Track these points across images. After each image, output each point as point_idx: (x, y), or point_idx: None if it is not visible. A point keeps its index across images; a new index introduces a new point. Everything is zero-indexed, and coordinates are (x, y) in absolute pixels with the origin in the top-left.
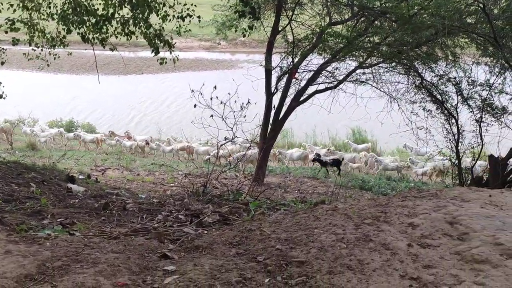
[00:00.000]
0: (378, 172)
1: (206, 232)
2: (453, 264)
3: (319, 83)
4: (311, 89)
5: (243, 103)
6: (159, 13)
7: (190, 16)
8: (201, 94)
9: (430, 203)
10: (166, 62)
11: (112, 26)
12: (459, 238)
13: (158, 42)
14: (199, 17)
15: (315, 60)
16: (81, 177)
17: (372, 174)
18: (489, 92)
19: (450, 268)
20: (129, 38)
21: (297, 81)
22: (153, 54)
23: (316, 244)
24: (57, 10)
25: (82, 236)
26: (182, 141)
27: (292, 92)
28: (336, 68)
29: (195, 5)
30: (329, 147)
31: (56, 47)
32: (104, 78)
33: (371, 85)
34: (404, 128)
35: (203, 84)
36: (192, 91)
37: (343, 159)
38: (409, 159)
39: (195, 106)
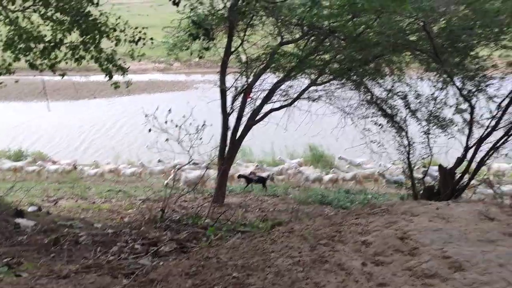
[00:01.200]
0: (302, 184)
1: (162, 263)
2: (405, 280)
3: (274, 102)
4: (266, 108)
5: (198, 126)
6: (110, 37)
7: (143, 39)
8: (155, 118)
9: (382, 219)
10: (119, 86)
11: (61, 51)
12: (410, 253)
13: (111, 67)
14: (151, 39)
15: (269, 79)
16: (31, 209)
17: (297, 184)
18: (434, 105)
19: (403, 284)
20: (79, 64)
21: (252, 100)
22: (107, 78)
23: (272, 269)
24: (1, 38)
25: (30, 277)
26: (110, 163)
27: (248, 111)
28: (290, 86)
29: (146, 28)
30: (257, 164)
31: (2, 75)
32: (54, 104)
33: (325, 101)
34: (359, 142)
35: (157, 108)
36: (146, 115)
37: (271, 177)
38: (332, 169)
39: (150, 130)
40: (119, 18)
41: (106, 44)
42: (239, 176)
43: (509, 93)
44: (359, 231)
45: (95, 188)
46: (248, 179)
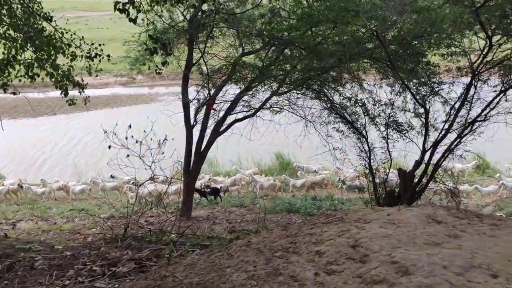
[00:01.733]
0: (257, 192)
1: (117, 285)
2: (355, 287)
3: (237, 112)
4: (230, 119)
5: (160, 140)
6: (66, 53)
7: (99, 55)
8: (115, 134)
9: (335, 228)
10: (75, 103)
11: (14, 69)
12: (361, 260)
13: (68, 83)
14: (108, 56)
15: (231, 90)
16: None
17: (252, 193)
18: (391, 111)
19: None
20: (33, 81)
21: (215, 112)
22: (63, 95)
23: (227, 285)
24: None
25: None
26: (58, 180)
27: (211, 123)
28: (253, 97)
29: (103, 44)
30: (210, 177)
31: None
32: (11, 122)
33: (287, 110)
34: (322, 149)
35: (116, 124)
36: (105, 132)
37: (224, 188)
38: (283, 176)
39: (109, 147)
40: (74, 33)
41: (63, 60)
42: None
43: (459, 97)
44: (313, 241)
45: (56, 209)
46: (201, 192)
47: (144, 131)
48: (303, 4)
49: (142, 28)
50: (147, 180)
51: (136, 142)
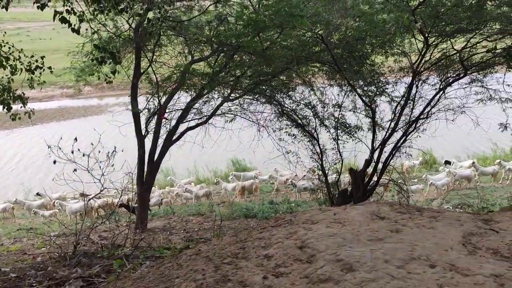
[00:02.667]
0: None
1: None
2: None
3: (190, 120)
4: (182, 127)
5: (108, 152)
6: (5, 66)
7: (40, 67)
8: (60, 148)
9: (284, 230)
10: (20, 118)
11: None
12: (308, 261)
13: (9, 98)
14: (50, 68)
15: (183, 98)
16: None
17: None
18: (340, 112)
19: None
20: None
21: (167, 121)
22: (5, 111)
23: None
24: None
25: None
26: None
27: (163, 132)
28: (204, 104)
29: (44, 57)
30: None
31: None
32: None
33: (240, 116)
34: (276, 153)
35: (61, 138)
36: (49, 147)
37: (158, 202)
38: (216, 179)
39: (54, 162)
40: (12, 46)
41: (2, 73)
42: (120, 205)
43: (403, 96)
44: (262, 245)
45: (2, 229)
46: (128, 207)
47: (92, 144)
48: (249, 10)
49: (86, 38)
50: (96, 194)
51: (84, 155)
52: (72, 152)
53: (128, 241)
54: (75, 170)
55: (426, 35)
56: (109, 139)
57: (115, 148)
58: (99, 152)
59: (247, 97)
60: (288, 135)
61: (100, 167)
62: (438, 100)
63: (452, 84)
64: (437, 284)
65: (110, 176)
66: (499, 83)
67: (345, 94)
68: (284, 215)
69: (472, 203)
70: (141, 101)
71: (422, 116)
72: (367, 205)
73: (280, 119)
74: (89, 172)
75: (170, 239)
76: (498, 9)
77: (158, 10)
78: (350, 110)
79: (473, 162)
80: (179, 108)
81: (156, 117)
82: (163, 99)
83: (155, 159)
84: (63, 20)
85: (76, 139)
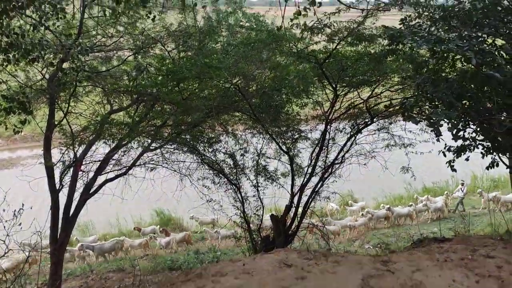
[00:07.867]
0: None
1: None
2: None
3: (108, 172)
4: (100, 179)
5: (15, 210)
6: None
7: None
8: None
9: (192, 285)
10: None
11: None
12: None
13: None
14: None
15: (101, 149)
16: None
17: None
18: (260, 159)
19: None
20: None
21: (84, 173)
22: None
23: None
24: None
25: None
26: None
27: (80, 185)
28: (124, 154)
29: None
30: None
31: None
32: None
33: (161, 166)
34: (199, 202)
35: None
36: None
37: None
38: (150, 236)
39: None
40: None
41: None
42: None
43: (317, 144)
44: None
45: None
46: None
47: None
48: (168, 60)
49: None
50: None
51: None
52: None
53: None
54: None
55: (335, 86)
56: (20, 195)
57: (22, 206)
58: (4, 210)
59: (168, 146)
60: (212, 183)
61: (4, 227)
62: (351, 146)
63: (362, 131)
64: None
65: (16, 236)
66: (402, 129)
67: (263, 142)
68: (207, 265)
69: (389, 242)
70: (56, 154)
71: (336, 161)
72: (276, 253)
73: (202, 168)
74: None
75: None
76: (396, 63)
77: (73, 61)
78: (269, 158)
79: (389, 207)
80: (97, 160)
81: (72, 169)
82: (80, 151)
83: (70, 214)
84: None
85: None
